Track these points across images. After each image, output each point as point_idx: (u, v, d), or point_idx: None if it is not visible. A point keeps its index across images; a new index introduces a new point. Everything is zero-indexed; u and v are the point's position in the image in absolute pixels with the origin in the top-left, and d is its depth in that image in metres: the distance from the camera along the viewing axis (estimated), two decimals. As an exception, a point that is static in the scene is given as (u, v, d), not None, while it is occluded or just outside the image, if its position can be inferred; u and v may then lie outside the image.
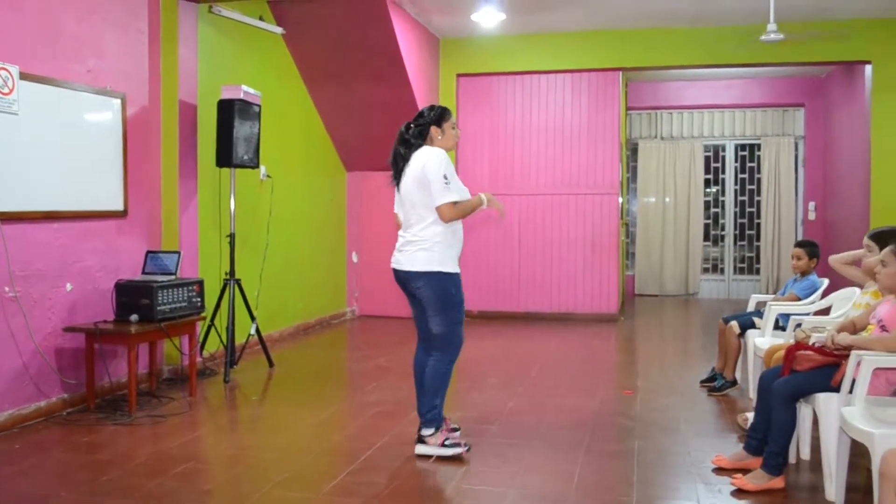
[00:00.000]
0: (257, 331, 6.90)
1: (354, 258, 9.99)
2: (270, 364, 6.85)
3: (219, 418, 5.60)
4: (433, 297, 4.39)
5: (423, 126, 4.50)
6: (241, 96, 6.48)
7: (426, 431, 4.43)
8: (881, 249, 4.24)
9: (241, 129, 6.51)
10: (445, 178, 4.28)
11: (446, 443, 4.39)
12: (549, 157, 9.93)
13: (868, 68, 9.32)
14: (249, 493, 3.89)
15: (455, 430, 4.68)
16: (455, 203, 4.32)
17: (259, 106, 6.77)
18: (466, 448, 4.43)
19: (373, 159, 9.64)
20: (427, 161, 4.34)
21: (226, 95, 6.49)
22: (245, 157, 6.61)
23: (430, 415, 4.44)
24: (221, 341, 6.65)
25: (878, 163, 9.16)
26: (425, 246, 4.37)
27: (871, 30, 8.97)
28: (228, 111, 6.42)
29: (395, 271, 4.50)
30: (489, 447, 4.64)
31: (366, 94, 8.74)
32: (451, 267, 4.40)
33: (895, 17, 8.87)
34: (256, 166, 6.88)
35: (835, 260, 5.11)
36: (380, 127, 9.04)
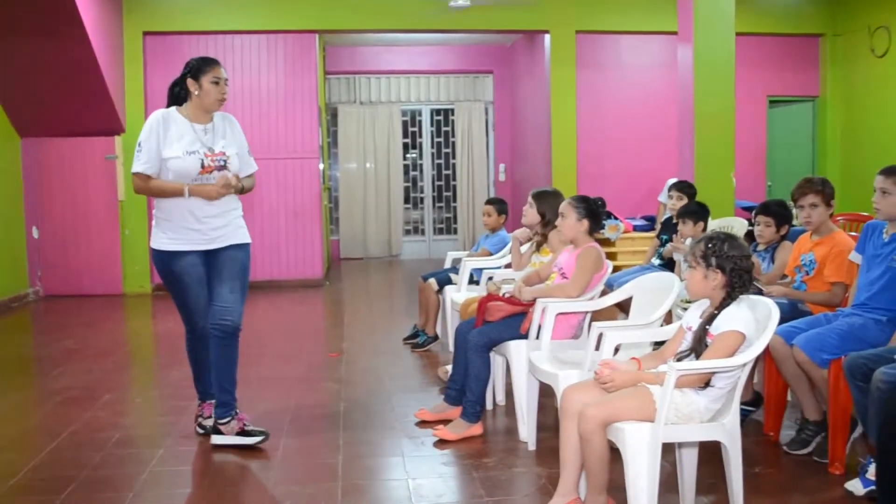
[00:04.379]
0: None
1: (35, 233, 9.09)
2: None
3: None
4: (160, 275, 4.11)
5: (182, 78, 4.00)
6: None
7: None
8: (538, 205, 4.65)
9: None
10: (140, 145, 3.87)
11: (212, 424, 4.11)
12: (246, 122, 9.54)
13: (547, 38, 9.97)
14: None
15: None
16: (141, 174, 3.88)
17: None
18: (202, 431, 4.18)
19: (51, 124, 8.79)
20: None
21: None
22: None
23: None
24: None
25: (556, 127, 9.87)
26: (154, 220, 4.07)
27: (549, 1, 9.60)
28: None
29: None
30: (189, 424, 4.40)
31: (38, 52, 7.88)
32: (163, 243, 3.98)
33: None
34: None
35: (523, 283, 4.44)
36: (57, 88, 8.26)
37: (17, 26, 7.61)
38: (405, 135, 12.93)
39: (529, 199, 4.86)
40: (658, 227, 6.90)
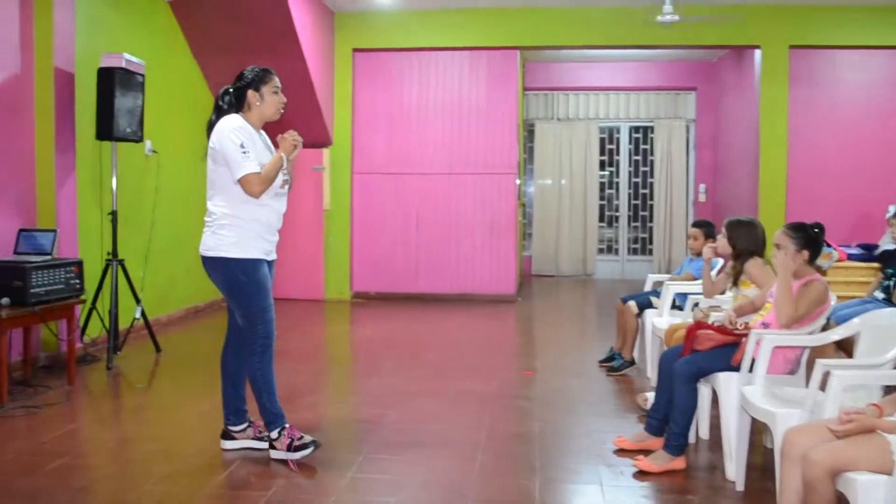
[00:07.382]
0: (143, 314, 6.55)
1: (247, 238, 9.63)
2: (157, 349, 6.52)
3: (99, 408, 5.26)
4: (224, 286, 3.99)
5: (240, 89, 3.98)
6: (123, 65, 6.11)
7: (273, 434, 4.00)
8: (729, 236, 4.42)
9: (123, 101, 6.13)
10: (242, 147, 3.82)
11: (294, 444, 3.95)
12: (447, 136, 9.80)
13: (757, 53, 9.52)
14: (129, 490, 3.62)
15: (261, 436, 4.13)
16: (258, 173, 3.84)
17: (143, 76, 6.40)
18: (313, 448, 3.95)
19: (268, 135, 9.27)
20: (218, 132, 3.87)
21: (106, 63, 6.09)
22: (128, 130, 6.23)
23: (267, 417, 4.01)
24: (104, 326, 6.27)
25: (766, 147, 9.38)
26: (213, 227, 3.93)
27: (761, 15, 9.15)
28: (109, 81, 6.03)
29: None
30: (387, 433, 4.48)
31: (259, 69, 8.38)
32: (241, 251, 3.90)
33: (784, 4, 9.08)
34: (140, 140, 6.50)
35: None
36: (273, 102, 8.73)
37: (243, 46, 8.11)
38: (602, 152, 12.74)
39: (723, 227, 4.65)
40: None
